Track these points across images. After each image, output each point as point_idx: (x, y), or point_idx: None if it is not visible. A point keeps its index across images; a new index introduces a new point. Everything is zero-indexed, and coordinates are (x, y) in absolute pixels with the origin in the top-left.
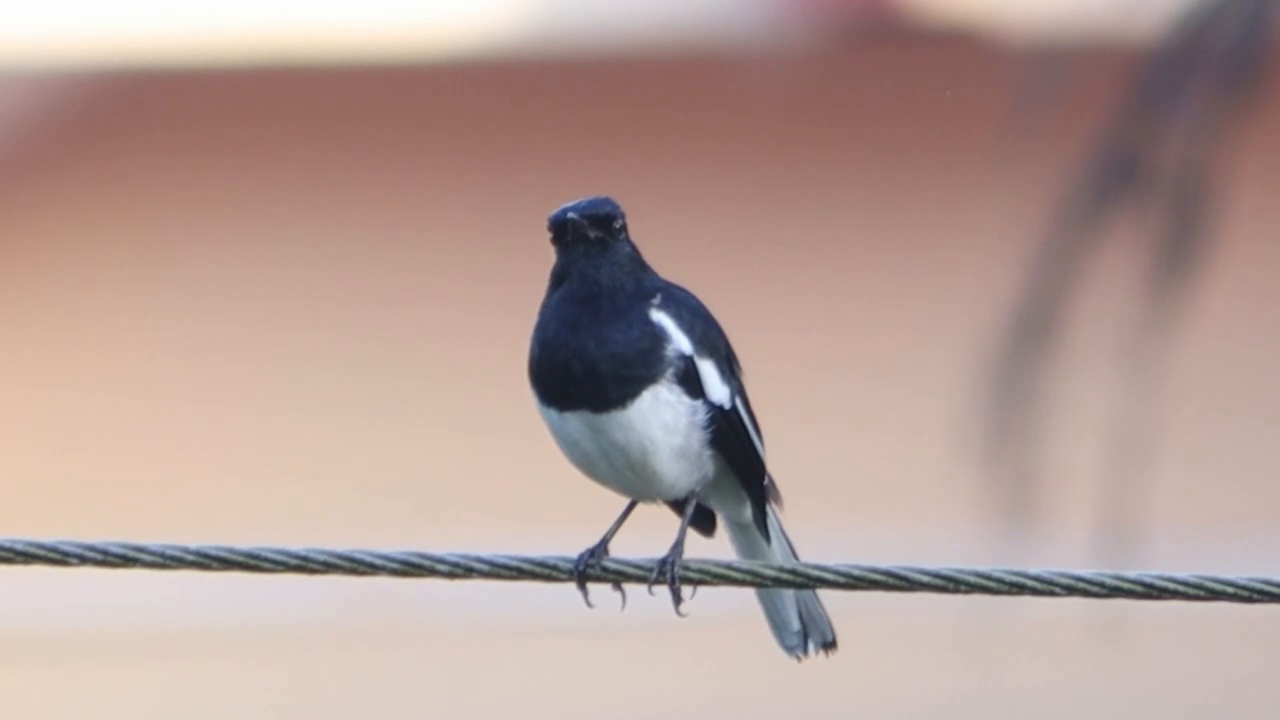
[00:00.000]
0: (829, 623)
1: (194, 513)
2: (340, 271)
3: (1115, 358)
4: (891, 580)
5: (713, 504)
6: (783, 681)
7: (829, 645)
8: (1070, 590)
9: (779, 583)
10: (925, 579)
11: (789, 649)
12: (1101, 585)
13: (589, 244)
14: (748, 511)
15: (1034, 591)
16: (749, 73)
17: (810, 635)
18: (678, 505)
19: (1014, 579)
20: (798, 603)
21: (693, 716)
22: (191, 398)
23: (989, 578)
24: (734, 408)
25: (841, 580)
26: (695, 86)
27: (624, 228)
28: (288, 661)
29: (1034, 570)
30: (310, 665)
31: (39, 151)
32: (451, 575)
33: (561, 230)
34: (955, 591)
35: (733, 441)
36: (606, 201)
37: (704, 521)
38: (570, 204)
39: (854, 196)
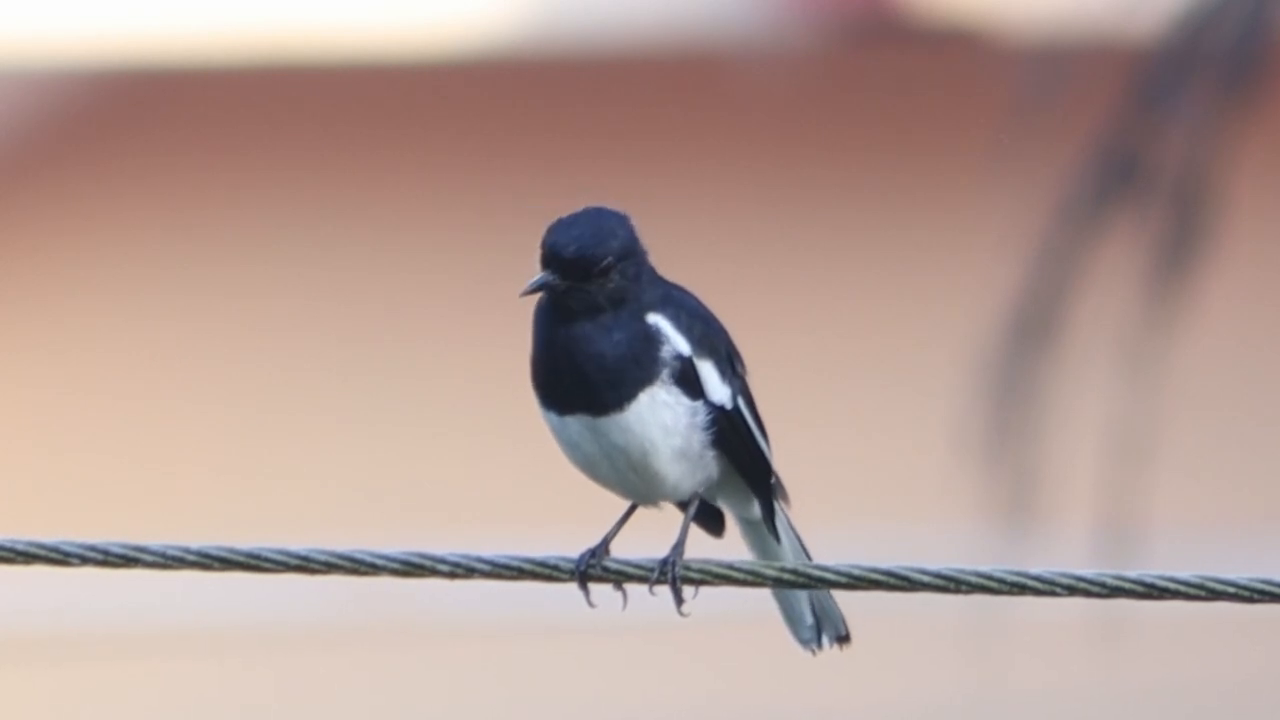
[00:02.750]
0: (842, 617)
1: (194, 513)
2: (339, 272)
3: (1115, 358)
4: (892, 580)
5: (720, 503)
6: (783, 681)
7: (843, 639)
8: (1071, 590)
9: (780, 583)
10: (926, 579)
11: (804, 642)
12: (1102, 585)
13: (565, 293)
14: (756, 510)
15: (1035, 592)
16: (749, 73)
17: (824, 629)
18: (682, 505)
19: (1015, 579)
20: (810, 598)
21: (693, 716)
22: (191, 398)
23: (990, 578)
24: (736, 408)
25: (843, 580)
26: (695, 86)
27: (610, 266)
28: (287, 661)
29: (1035, 570)
30: (310, 665)
31: (40, 151)
32: (452, 575)
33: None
34: (956, 591)
35: (735, 441)
36: (590, 243)
37: (713, 522)
38: (559, 234)
39: (853, 196)
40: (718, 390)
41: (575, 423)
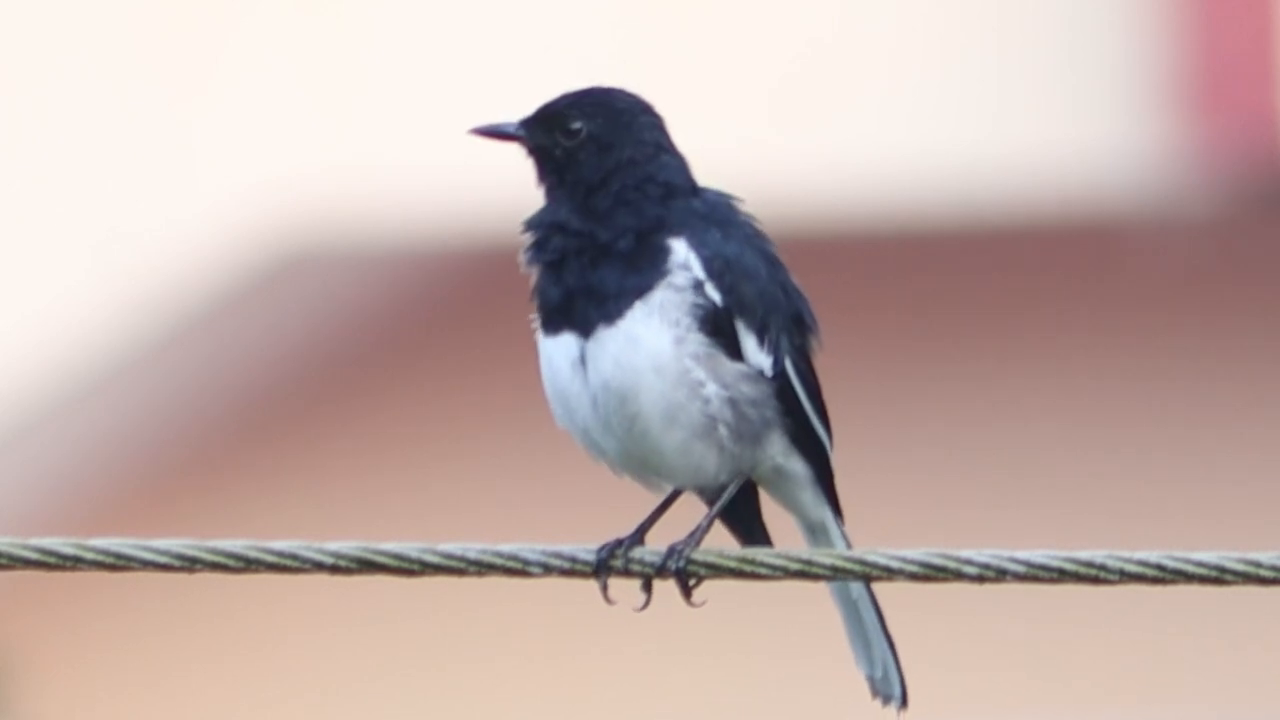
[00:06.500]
0: (900, 679)
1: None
2: None
3: None
4: (930, 571)
5: (776, 498)
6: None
7: (900, 702)
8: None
9: (789, 574)
10: (972, 570)
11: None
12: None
13: (544, 158)
14: (817, 509)
15: (1078, 578)
16: (1146, 244)
17: (880, 685)
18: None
19: (1059, 565)
20: (864, 643)
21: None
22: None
23: (1043, 567)
24: (781, 373)
25: (858, 570)
26: (1088, 258)
27: (587, 133)
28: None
29: (1084, 555)
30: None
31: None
32: (480, 573)
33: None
34: (999, 581)
35: (779, 414)
36: (567, 102)
37: (756, 531)
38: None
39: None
40: (755, 354)
41: (565, 345)
